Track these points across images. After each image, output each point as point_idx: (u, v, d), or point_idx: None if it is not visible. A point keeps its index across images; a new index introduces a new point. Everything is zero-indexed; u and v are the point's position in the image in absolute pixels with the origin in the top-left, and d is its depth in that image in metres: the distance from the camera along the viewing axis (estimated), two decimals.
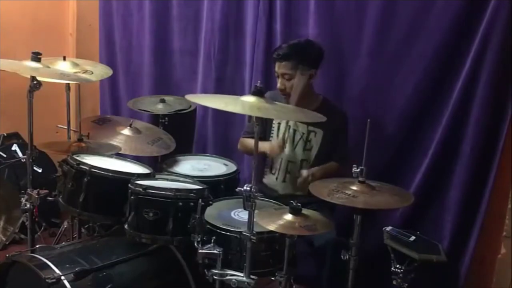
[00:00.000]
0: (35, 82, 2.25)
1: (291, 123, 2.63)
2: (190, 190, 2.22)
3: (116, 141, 2.79)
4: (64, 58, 2.89)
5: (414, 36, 2.56)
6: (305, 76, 2.53)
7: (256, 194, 1.91)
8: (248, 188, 1.90)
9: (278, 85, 2.56)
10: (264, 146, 2.58)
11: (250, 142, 2.68)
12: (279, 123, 2.68)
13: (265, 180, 2.75)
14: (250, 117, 2.73)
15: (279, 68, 2.55)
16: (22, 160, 2.52)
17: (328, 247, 2.31)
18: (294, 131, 2.64)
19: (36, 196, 2.39)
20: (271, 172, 2.73)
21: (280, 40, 2.91)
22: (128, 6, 3.62)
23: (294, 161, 2.65)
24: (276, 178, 2.69)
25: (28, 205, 2.40)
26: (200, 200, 2.09)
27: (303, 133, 2.63)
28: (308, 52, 2.55)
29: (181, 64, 3.47)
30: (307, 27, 2.84)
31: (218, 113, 3.22)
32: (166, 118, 3.17)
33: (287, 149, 2.64)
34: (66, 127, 3.12)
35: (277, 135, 2.68)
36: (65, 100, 3.09)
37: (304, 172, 2.53)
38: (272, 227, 1.95)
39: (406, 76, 2.61)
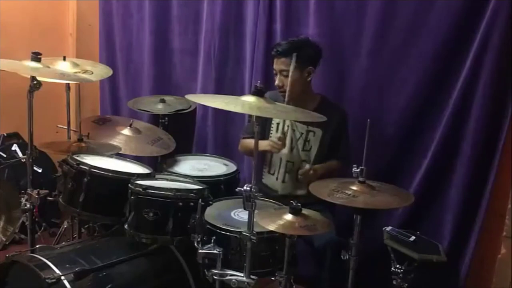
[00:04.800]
0: (35, 82, 2.25)
1: (289, 122, 2.63)
2: (190, 190, 2.22)
3: (116, 141, 2.79)
4: (64, 58, 2.89)
5: (414, 36, 2.56)
6: (303, 72, 2.52)
7: (256, 194, 1.91)
8: (248, 188, 1.91)
9: (276, 81, 2.55)
10: (264, 144, 2.56)
11: (251, 142, 2.68)
12: (278, 123, 2.67)
13: (264, 180, 2.75)
14: (250, 117, 2.72)
15: (277, 64, 2.54)
16: (22, 160, 2.51)
17: (328, 248, 2.31)
18: (293, 131, 2.63)
19: (36, 196, 2.39)
20: (270, 172, 2.73)
21: (280, 40, 2.90)
22: (128, 6, 3.62)
23: (293, 161, 2.65)
24: (276, 178, 2.69)
25: (28, 205, 2.40)
26: (200, 200, 2.09)
27: (302, 133, 2.63)
28: (306, 48, 2.54)
29: (181, 64, 3.47)
30: (307, 27, 2.84)
31: (218, 113, 3.22)
32: (166, 118, 3.18)
33: (286, 149, 2.64)
34: (66, 127, 3.12)
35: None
36: (65, 100, 3.09)
37: (307, 165, 2.54)
38: (272, 227, 1.95)
39: (406, 76, 2.61)
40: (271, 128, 2.69)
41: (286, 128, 2.63)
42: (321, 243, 2.32)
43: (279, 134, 2.65)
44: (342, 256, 2.08)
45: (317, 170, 2.53)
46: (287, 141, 2.62)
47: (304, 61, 2.51)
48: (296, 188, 2.62)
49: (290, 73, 2.46)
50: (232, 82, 3.22)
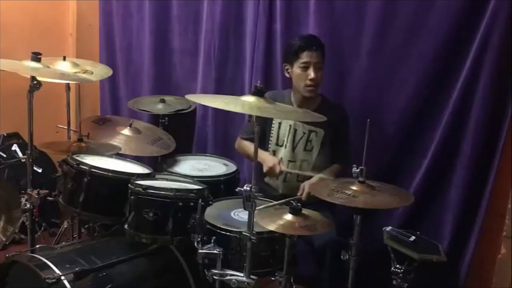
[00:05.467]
0: (35, 82, 2.25)
1: (291, 122, 2.63)
2: (190, 190, 2.22)
3: (116, 141, 2.79)
4: (64, 58, 2.89)
5: (414, 36, 2.56)
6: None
7: (256, 194, 1.91)
8: (248, 188, 1.90)
9: (313, 74, 2.49)
10: (262, 158, 2.54)
11: (249, 146, 2.69)
12: (279, 123, 2.67)
13: (266, 179, 2.75)
14: (249, 117, 2.72)
15: (312, 57, 2.50)
16: (22, 160, 2.52)
17: (328, 248, 2.31)
18: (295, 130, 2.63)
19: (36, 196, 2.39)
20: None
21: (280, 40, 2.91)
22: (128, 6, 3.62)
23: (294, 161, 2.65)
24: (277, 178, 2.69)
25: (28, 205, 2.40)
26: (200, 200, 2.09)
27: (304, 133, 2.63)
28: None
29: (181, 64, 3.47)
30: (307, 27, 2.84)
31: (218, 113, 3.22)
32: (166, 118, 3.17)
33: (287, 149, 2.64)
34: (66, 127, 3.12)
35: (277, 135, 2.67)
36: (65, 100, 3.09)
37: (306, 187, 2.49)
38: (272, 227, 1.95)
39: (406, 76, 2.61)
40: (272, 128, 2.68)
41: (288, 128, 2.63)
42: (321, 243, 2.32)
43: (281, 134, 2.65)
44: (342, 256, 2.08)
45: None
46: (288, 142, 2.63)
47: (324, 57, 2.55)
48: (298, 187, 2.62)
49: None
50: (232, 82, 3.22)
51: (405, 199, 2.12)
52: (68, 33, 3.84)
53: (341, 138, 2.63)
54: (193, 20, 3.34)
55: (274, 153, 2.68)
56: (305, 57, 2.51)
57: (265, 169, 2.53)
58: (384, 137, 2.67)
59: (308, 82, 2.52)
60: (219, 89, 3.22)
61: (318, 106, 2.58)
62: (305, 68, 2.52)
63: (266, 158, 2.57)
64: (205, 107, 3.31)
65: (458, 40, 2.46)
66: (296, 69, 2.54)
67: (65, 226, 2.97)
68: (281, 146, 2.67)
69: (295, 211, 1.98)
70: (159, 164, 2.87)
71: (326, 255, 2.31)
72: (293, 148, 2.64)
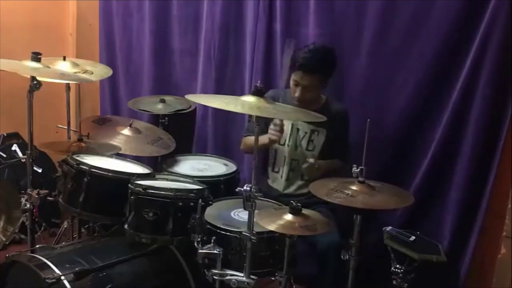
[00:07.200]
0: (35, 82, 2.25)
1: (294, 122, 2.63)
2: (190, 190, 2.22)
3: (116, 141, 2.79)
4: (64, 58, 2.89)
5: (414, 35, 2.56)
6: (324, 85, 2.55)
7: (256, 194, 1.91)
8: (248, 188, 1.91)
9: (298, 94, 2.50)
10: (264, 138, 2.52)
11: (252, 139, 2.67)
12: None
13: (269, 181, 2.74)
14: (250, 117, 2.72)
15: (303, 79, 2.49)
16: (22, 160, 2.52)
17: (331, 250, 2.29)
18: (297, 130, 2.63)
19: (36, 196, 2.39)
20: (274, 170, 2.73)
21: (280, 40, 2.91)
22: (128, 6, 3.62)
23: (298, 159, 2.64)
24: (281, 176, 2.69)
25: (28, 205, 2.40)
26: (200, 200, 2.09)
27: (306, 133, 2.63)
28: (331, 64, 2.53)
29: (181, 64, 3.47)
30: (307, 27, 2.84)
31: (218, 113, 3.22)
32: (166, 118, 3.17)
33: (290, 148, 2.64)
34: (66, 127, 3.13)
35: None
36: (65, 100, 3.09)
37: (311, 159, 2.50)
38: (272, 227, 1.95)
39: (406, 75, 2.61)
40: None
41: (290, 130, 2.63)
42: (324, 246, 2.31)
43: (284, 139, 2.64)
44: (342, 256, 2.08)
45: (321, 165, 2.52)
46: (291, 140, 2.62)
47: (327, 77, 2.53)
48: (300, 187, 2.62)
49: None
50: (232, 82, 3.22)
51: (404, 200, 2.12)
52: (68, 33, 3.84)
53: (341, 137, 2.64)
54: (193, 20, 3.34)
55: (276, 151, 2.69)
56: (297, 76, 2.51)
57: (267, 140, 2.51)
58: (384, 137, 2.67)
59: (295, 97, 2.53)
60: (219, 89, 3.21)
61: (321, 106, 2.58)
62: (295, 85, 2.53)
63: (266, 135, 2.54)
64: (205, 107, 3.31)
65: (458, 40, 2.45)
66: (291, 80, 2.55)
67: (65, 226, 2.96)
68: (283, 145, 2.66)
69: (295, 211, 1.99)
70: (159, 164, 2.87)
71: (329, 257, 2.30)
72: (296, 147, 2.64)
